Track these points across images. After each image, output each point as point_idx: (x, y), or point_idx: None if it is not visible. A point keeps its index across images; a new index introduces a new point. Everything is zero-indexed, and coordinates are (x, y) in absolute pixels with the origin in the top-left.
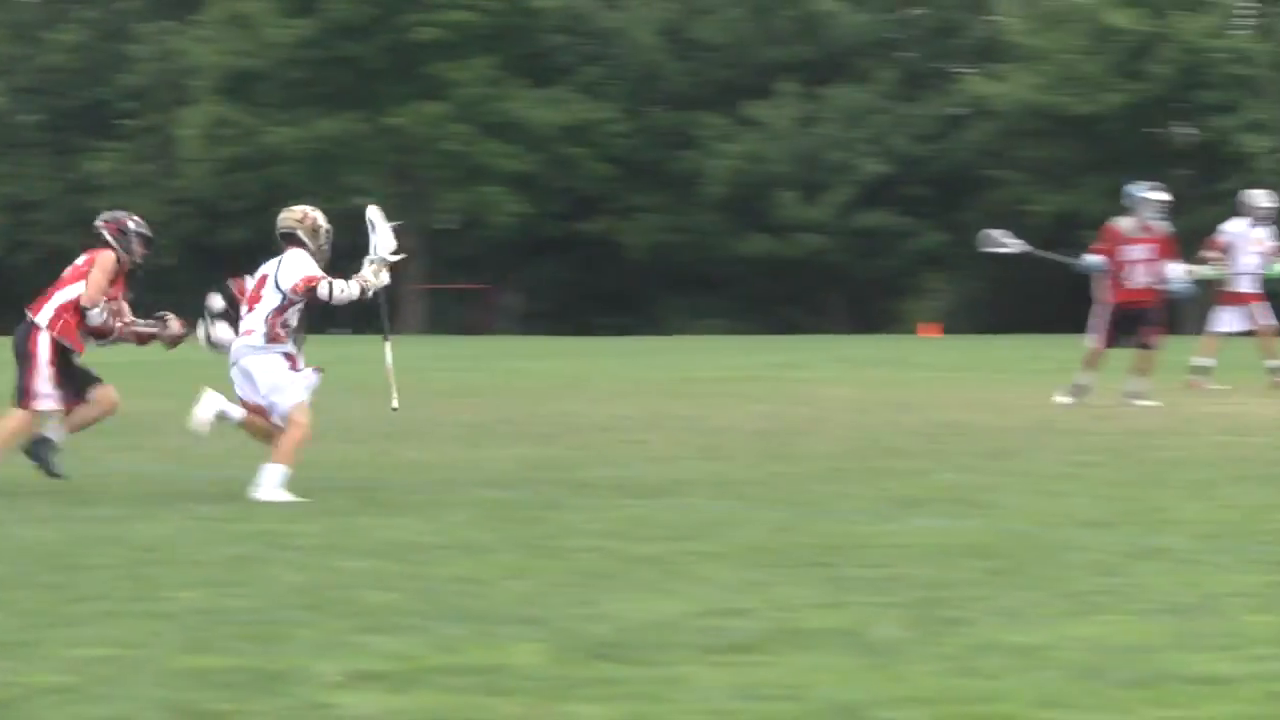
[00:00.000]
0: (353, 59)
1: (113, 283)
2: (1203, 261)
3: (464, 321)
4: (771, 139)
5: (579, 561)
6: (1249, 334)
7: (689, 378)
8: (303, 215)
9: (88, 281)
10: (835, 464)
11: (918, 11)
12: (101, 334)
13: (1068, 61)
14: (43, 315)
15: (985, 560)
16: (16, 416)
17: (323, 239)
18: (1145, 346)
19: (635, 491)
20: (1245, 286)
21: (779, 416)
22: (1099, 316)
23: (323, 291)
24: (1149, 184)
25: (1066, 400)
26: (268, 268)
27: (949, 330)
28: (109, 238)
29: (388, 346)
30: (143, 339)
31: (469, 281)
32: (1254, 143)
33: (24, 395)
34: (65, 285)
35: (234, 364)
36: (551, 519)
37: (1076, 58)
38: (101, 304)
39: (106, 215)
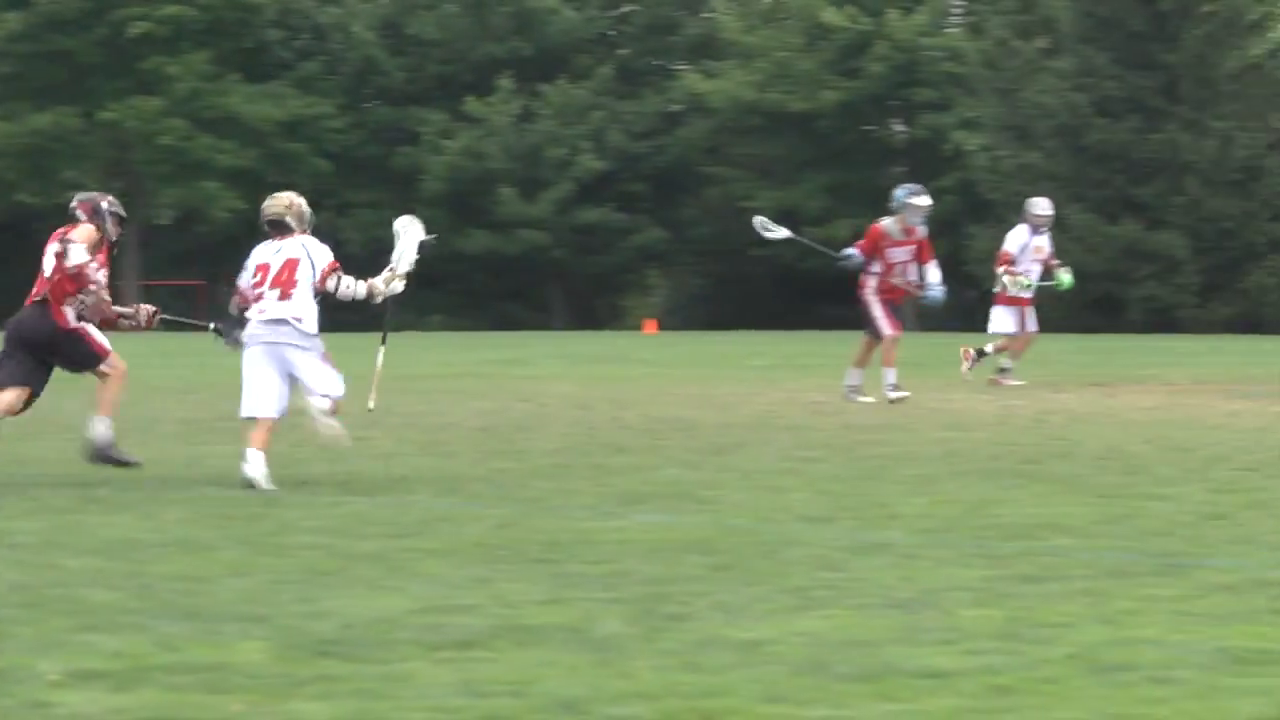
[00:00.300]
0: (66, 53)
1: (96, 251)
2: (1011, 275)
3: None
4: (490, 135)
5: (300, 559)
6: (1012, 335)
7: (410, 374)
8: (289, 202)
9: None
10: (558, 460)
11: (633, 9)
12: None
13: (783, 59)
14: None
15: (707, 556)
16: (116, 376)
17: (308, 224)
18: (877, 339)
19: (356, 488)
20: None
21: (501, 413)
22: (875, 308)
23: (331, 284)
24: (914, 188)
25: (901, 395)
26: (285, 252)
27: (666, 327)
28: (84, 218)
29: (381, 350)
30: (110, 323)
31: (186, 278)
32: (967, 140)
33: (104, 355)
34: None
35: (270, 344)
36: (272, 516)
37: (792, 55)
38: (88, 260)
39: (81, 196)
